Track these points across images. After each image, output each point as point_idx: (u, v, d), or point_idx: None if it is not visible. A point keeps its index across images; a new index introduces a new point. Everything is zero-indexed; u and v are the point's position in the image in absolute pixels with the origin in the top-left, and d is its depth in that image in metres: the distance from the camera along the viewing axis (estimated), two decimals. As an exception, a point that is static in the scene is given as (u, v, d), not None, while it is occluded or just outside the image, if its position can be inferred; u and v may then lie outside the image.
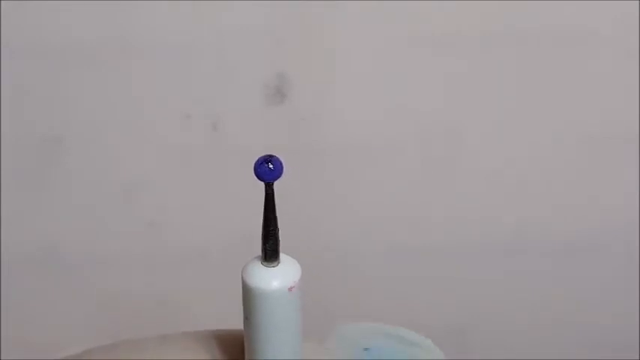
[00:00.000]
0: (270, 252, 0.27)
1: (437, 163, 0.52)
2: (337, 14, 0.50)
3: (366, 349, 0.30)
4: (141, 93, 0.51)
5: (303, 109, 0.51)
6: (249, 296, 0.27)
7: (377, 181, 0.52)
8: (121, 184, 0.52)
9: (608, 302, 0.56)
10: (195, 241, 0.53)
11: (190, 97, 0.51)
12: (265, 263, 0.28)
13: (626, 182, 0.53)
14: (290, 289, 0.27)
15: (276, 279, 0.27)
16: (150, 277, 0.53)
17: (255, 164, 0.26)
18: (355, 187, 0.51)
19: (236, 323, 0.30)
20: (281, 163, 0.27)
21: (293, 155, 0.51)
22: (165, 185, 0.52)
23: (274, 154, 0.27)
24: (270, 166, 0.26)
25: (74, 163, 0.51)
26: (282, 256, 0.28)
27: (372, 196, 0.52)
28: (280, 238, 0.28)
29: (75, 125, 0.51)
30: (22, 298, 0.53)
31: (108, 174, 0.52)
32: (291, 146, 0.51)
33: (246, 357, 0.28)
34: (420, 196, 0.53)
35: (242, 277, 0.28)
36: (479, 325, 0.56)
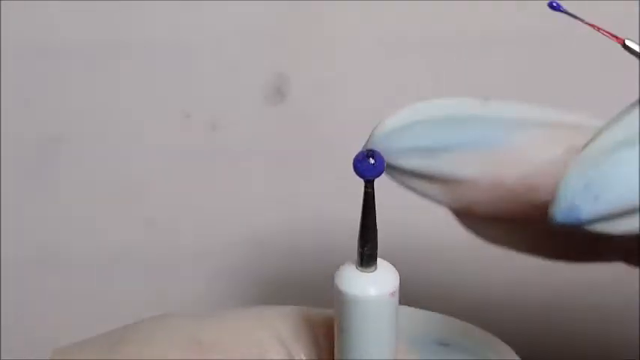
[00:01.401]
0: (368, 256, 0.25)
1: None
2: (337, 14, 0.50)
3: (445, 345, 0.27)
4: (140, 92, 0.51)
5: (303, 109, 0.51)
6: (346, 305, 0.25)
7: (376, 180, 0.52)
8: (121, 184, 0.52)
9: (609, 302, 0.56)
10: (195, 241, 0.53)
11: (189, 97, 0.51)
12: (362, 269, 0.25)
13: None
14: (391, 294, 0.25)
15: (376, 285, 0.25)
16: (150, 277, 0.53)
17: (355, 160, 0.24)
18: (355, 187, 0.51)
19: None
20: (383, 159, 0.24)
21: (293, 155, 0.51)
22: (164, 185, 0.52)
23: (374, 149, 0.24)
24: (372, 161, 0.24)
25: (74, 162, 0.51)
26: (378, 260, 0.25)
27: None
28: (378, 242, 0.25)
29: (74, 125, 0.51)
30: (22, 298, 0.53)
31: (107, 174, 0.52)
32: (291, 146, 0.51)
33: None
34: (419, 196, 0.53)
35: (336, 285, 0.25)
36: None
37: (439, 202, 0.26)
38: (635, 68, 0.51)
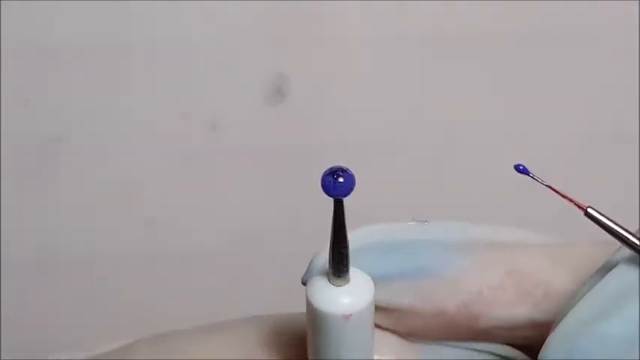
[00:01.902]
0: (340, 270, 0.24)
1: (437, 163, 0.52)
2: (337, 14, 0.50)
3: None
4: (140, 92, 0.51)
5: (303, 108, 0.51)
6: (318, 321, 0.24)
7: (376, 181, 0.52)
8: (121, 184, 0.52)
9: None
10: (194, 241, 0.53)
11: (190, 97, 0.51)
12: (335, 282, 0.24)
13: (626, 182, 0.53)
14: (365, 308, 0.24)
15: (348, 299, 0.24)
16: (149, 277, 0.53)
17: (323, 176, 0.23)
18: (355, 187, 0.51)
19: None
20: (352, 177, 0.23)
21: (292, 155, 0.51)
22: (164, 185, 0.52)
23: (345, 167, 0.23)
24: (341, 180, 0.23)
25: (74, 162, 0.51)
26: (351, 271, 0.24)
27: (371, 195, 0.52)
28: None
29: (74, 125, 0.51)
30: (22, 298, 0.53)
31: (107, 173, 0.52)
32: (291, 146, 0.51)
33: None
34: (419, 196, 0.53)
35: (308, 299, 0.24)
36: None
37: (384, 327, 0.26)
38: (635, 68, 0.52)
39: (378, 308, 0.25)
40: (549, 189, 0.23)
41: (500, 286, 0.26)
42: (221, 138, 0.51)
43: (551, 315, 0.25)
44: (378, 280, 0.25)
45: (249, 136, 0.51)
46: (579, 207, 0.23)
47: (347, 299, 0.24)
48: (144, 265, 0.53)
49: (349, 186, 0.23)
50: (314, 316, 0.24)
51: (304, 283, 0.25)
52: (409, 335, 0.26)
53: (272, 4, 0.49)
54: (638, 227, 0.25)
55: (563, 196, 0.23)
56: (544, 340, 0.23)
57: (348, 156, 0.51)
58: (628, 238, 0.23)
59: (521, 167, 0.24)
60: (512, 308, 0.26)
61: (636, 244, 0.23)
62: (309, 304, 0.24)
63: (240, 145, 0.51)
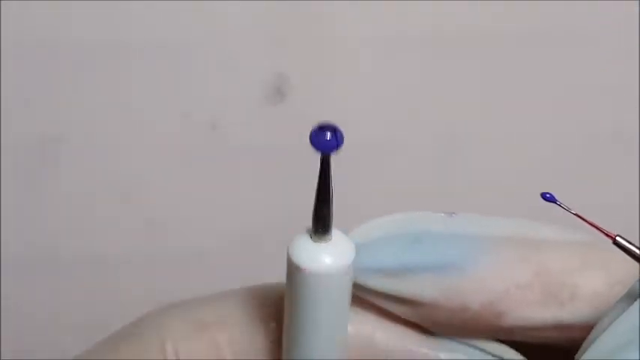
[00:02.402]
0: (323, 225, 0.24)
1: (437, 163, 0.52)
2: (337, 13, 0.50)
3: (446, 214, 0.26)
4: (140, 92, 0.51)
5: (303, 108, 0.51)
6: (297, 277, 0.24)
7: (377, 181, 0.52)
8: (120, 184, 0.52)
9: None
10: (194, 241, 0.53)
11: (189, 97, 0.51)
12: (316, 238, 0.24)
13: (626, 182, 0.53)
14: (346, 267, 0.23)
15: (330, 256, 0.23)
16: (150, 277, 0.53)
17: (312, 132, 0.23)
18: (355, 186, 0.51)
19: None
20: (341, 134, 0.23)
21: (292, 155, 0.51)
22: (164, 185, 0.52)
23: (335, 125, 0.23)
24: (328, 135, 0.23)
25: (74, 162, 0.51)
26: (333, 231, 0.24)
27: (371, 195, 0.52)
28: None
29: (74, 125, 0.51)
30: (22, 298, 0.53)
31: (107, 173, 0.52)
32: (291, 146, 0.51)
33: (285, 346, 0.25)
34: (419, 196, 0.53)
35: (288, 255, 0.24)
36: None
37: (407, 318, 0.26)
38: (635, 68, 0.52)
39: (402, 300, 0.25)
40: (578, 217, 0.23)
41: (527, 285, 0.25)
42: (221, 138, 0.51)
43: (578, 317, 0.25)
44: (402, 271, 0.25)
45: (249, 136, 0.51)
46: (608, 236, 0.23)
47: (327, 257, 0.23)
48: (144, 265, 0.53)
49: (337, 142, 0.23)
50: (291, 271, 0.24)
51: (325, 128, 0.25)
52: (432, 328, 0.26)
53: (272, 4, 0.49)
54: (638, 227, 0.25)
55: (592, 225, 0.23)
56: (567, 342, 0.23)
57: (348, 156, 0.51)
58: None
59: (547, 195, 0.24)
60: (538, 309, 0.25)
61: None
62: (288, 259, 0.24)
63: (240, 145, 0.51)
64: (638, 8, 0.50)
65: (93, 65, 0.50)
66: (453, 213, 0.26)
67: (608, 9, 0.50)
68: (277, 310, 0.26)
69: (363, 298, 0.25)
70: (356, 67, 0.51)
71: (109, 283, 0.53)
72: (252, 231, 0.52)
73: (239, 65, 0.50)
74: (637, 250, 0.22)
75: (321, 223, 0.24)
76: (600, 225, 0.23)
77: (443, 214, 0.26)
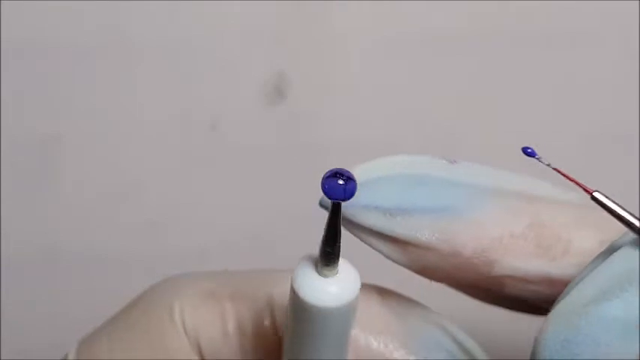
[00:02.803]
0: (330, 257, 0.23)
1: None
2: (337, 14, 0.50)
3: (448, 160, 0.26)
4: (140, 92, 0.51)
5: (303, 108, 0.51)
6: (302, 311, 0.23)
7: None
8: (120, 184, 0.52)
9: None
10: (194, 241, 0.53)
11: (189, 97, 0.51)
12: (323, 270, 0.24)
13: (626, 182, 0.53)
14: (350, 303, 0.23)
15: (336, 292, 0.23)
16: (150, 277, 0.53)
17: (323, 178, 0.22)
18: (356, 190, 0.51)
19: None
20: (354, 181, 0.22)
21: (292, 155, 0.51)
22: (164, 185, 0.52)
23: (344, 169, 0.22)
24: (341, 182, 0.22)
25: (73, 162, 0.51)
26: (340, 262, 0.24)
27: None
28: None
29: (74, 125, 0.51)
30: (22, 298, 0.53)
31: (107, 174, 0.52)
32: (291, 146, 0.51)
33: None
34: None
35: (293, 287, 0.24)
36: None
37: (394, 261, 0.26)
38: (635, 68, 0.51)
39: (394, 240, 0.25)
40: (556, 171, 0.23)
41: (521, 235, 0.25)
42: (221, 138, 0.51)
43: (568, 273, 0.25)
44: (399, 211, 0.25)
45: (249, 136, 0.51)
46: (586, 191, 0.23)
47: (333, 294, 0.23)
48: (144, 265, 0.53)
49: (348, 192, 0.22)
50: (296, 303, 0.24)
51: (321, 204, 0.25)
52: (420, 272, 0.26)
53: (272, 4, 0.49)
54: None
55: (571, 179, 0.23)
56: (555, 299, 0.23)
57: (348, 156, 0.51)
58: (633, 223, 0.23)
59: (529, 150, 0.24)
60: (530, 260, 0.25)
61: None
62: (292, 291, 0.24)
63: (240, 145, 0.51)
64: (638, 8, 0.50)
65: (93, 65, 0.50)
66: (455, 160, 0.26)
67: (609, 9, 0.50)
68: (283, 292, 0.26)
69: (357, 236, 0.25)
70: (356, 67, 0.51)
71: (109, 283, 0.53)
72: (252, 231, 0.52)
73: (239, 65, 0.50)
74: (614, 206, 0.23)
75: (328, 260, 0.24)
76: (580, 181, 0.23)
77: (445, 161, 0.26)
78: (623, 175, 0.53)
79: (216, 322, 0.27)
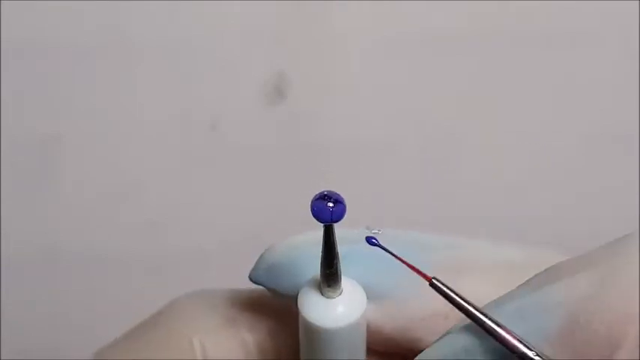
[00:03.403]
0: (333, 279, 0.24)
1: (436, 163, 0.52)
2: (337, 14, 0.50)
3: (371, 231, 0.25)
4: (140, 92, 0.51)
5: (303, 108, 0.51)
6: (311, 334, 0.24)
7: (376, 181, 0.52)
8: (120, 184, 0.52)
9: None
10: (194, 241, 0.53)
11: (189, 97, 0.51)
12: (326, 291, 0.24)
13: (626, 182, 0.53)
14: (356, 322, 0.24)
15: (342, 312, 0.23)
16: (150, 277, 0.53)
17: (313, 200, 0.22)
18: (355, 186, 0.51)
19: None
20: (343, 203, 0.22)
21: (292, 155, 0.51)
22: (164, 185, 0.52)
23: (334, 191, 0.22)
24: (330, 205, 0.22)
25: (73, 162, 0.51)
26: (343, 281, 0.24)
27: (371, 195, 0.52)
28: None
29: (74, 125, 0.51)
30: (22, 298, 0.53)
31: (107, 174, 0.52)
32: (291, 146, 0.51)
33: None
34: (419, 196, 0.53)
35: (300, 312, 0.24)
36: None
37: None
38: (635, 68, 0.51)
39: None
40: (397, 259, 0.23)
41: (444, 314, 0.25)
42: (221, 138, 0.51)
43: None
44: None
45: (249, 136, 0.51)
46: (425, 277, 0.22)
47: (339, 313, 0.24)
48: (144, 265, 0.53)
49: (340, 211, 0.22)
50: (305, 326, 0.24)
51: (252, 279, 0.26)
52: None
53: (272, 4, 0.49)
54: (638, 227, 0.24)
55: (411, 267, 0.22)
56: None
57: (348, 156, 0.51)
58: (469, 310, 0.22)
59: (373, 240, 0.23)
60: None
61: (477, 317, 0.22)
62: (300, 316, 0.24)
63: (240, 145, 0.51)
64: (638, 8, 0.50)
65: (93, 65, 0.50)
66: (379, 230, 0.25)
67: (609, 9, 0.50)
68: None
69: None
70: (356, 67, 0.51)
71: (109, 283, 0.53)
72: (252, 231, 0.52)
73: (239, 65, 0.50)
74: (451, 293, 0.22)
75: (330, 281, 0.24)
76: (419, 268, 0.22)
77: (367, 230, 0.25)
78: (623, 175, 0.53)
79: (240, 351, 0.27)
